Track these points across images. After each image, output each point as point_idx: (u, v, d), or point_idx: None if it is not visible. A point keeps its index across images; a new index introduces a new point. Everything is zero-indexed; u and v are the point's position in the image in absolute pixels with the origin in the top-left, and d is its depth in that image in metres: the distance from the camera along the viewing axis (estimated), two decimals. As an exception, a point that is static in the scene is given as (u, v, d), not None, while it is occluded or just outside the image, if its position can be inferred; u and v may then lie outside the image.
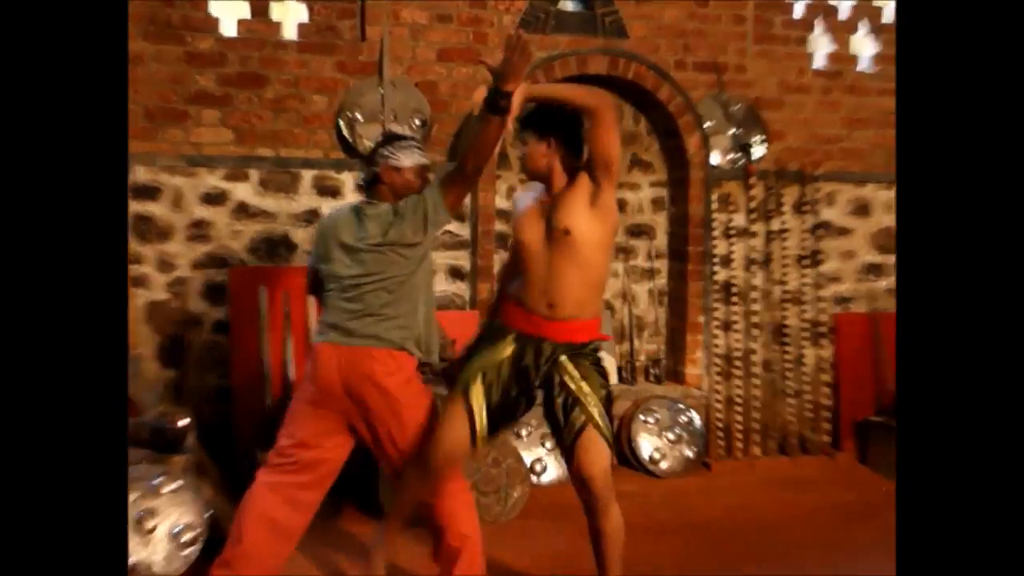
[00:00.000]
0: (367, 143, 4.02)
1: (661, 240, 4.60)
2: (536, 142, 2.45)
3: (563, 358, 2.42)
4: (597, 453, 2.41)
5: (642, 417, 4.22)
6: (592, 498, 2.41)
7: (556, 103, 2.35)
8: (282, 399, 3.62)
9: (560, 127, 2.43)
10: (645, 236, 4.60)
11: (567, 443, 2.43)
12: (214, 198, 3.95)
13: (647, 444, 4.19)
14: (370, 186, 2.55)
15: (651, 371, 4.47)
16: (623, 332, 4.54)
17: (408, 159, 2.51)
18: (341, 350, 2.47)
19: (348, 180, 4.05)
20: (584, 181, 2.40)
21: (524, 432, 4.02)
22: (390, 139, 2.55)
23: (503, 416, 2.49)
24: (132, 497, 2.80)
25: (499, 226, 4.22)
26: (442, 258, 4.12)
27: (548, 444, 4.00)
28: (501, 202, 4.35)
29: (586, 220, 2.38)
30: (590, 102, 2.30)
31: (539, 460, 3.99)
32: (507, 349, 2.45)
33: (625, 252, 4.58)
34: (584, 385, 2.42)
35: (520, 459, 3.66)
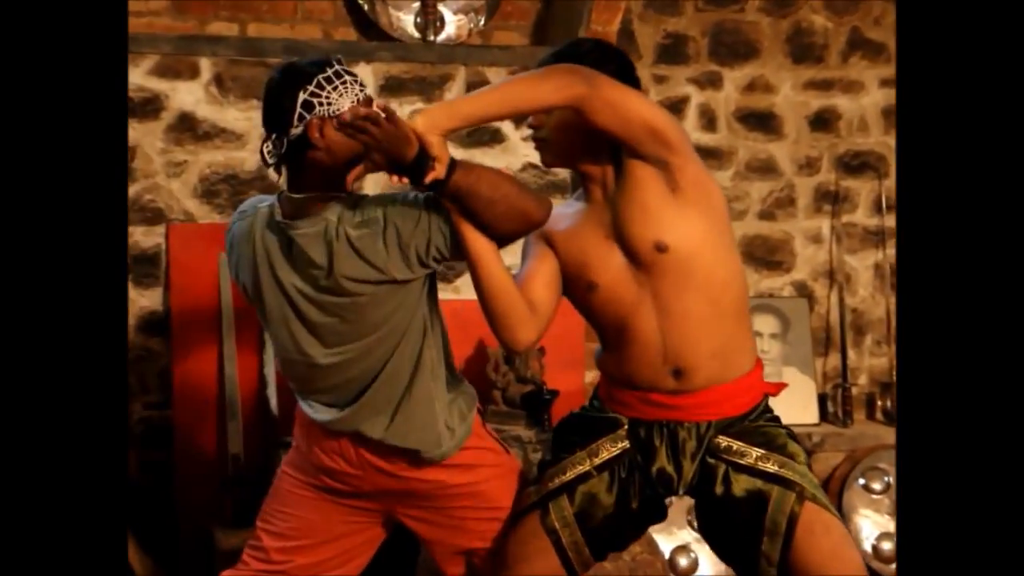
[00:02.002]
0: (396, 16, 3.86)
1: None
2: None
3: (719, 439, 2.31)
4: (838, 543, 2.22)
5: (862, 481, 3.97)
6: None
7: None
8: (260, 444, 3.51)
9: (628, 75, 2.33)
10: (869, 173, 4.32)
11: (774, 556, 2.24)
12: (139, 107, 3.62)
13: (871, 527, 3.94)
14: (295, 166, 2.26)
15: (879, 404, 4.27)
16: (828, 337, 4.31)
17: (346, 97, 2.23)
18: (353, 440, 2.36)
19: (365, 76, 3.76)
20: (638, 167, 2.28)
21: (660, 503, 3.81)
22: (301, 75, 2.23)
23: (619, 538, 2.42)
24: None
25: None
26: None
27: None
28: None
29: (679, 219, 2.26)
30: (565, 93, 2.18)
31: (685, 549, 3.77)
32: (614, 447, 2.37)
33: (834, 200, 4.26)
34: (770, 454, 2.27)
35: (655, 547, 3.39)
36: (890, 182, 4.26)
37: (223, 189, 3.65)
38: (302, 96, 2.20)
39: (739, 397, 2.31)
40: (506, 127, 3.76)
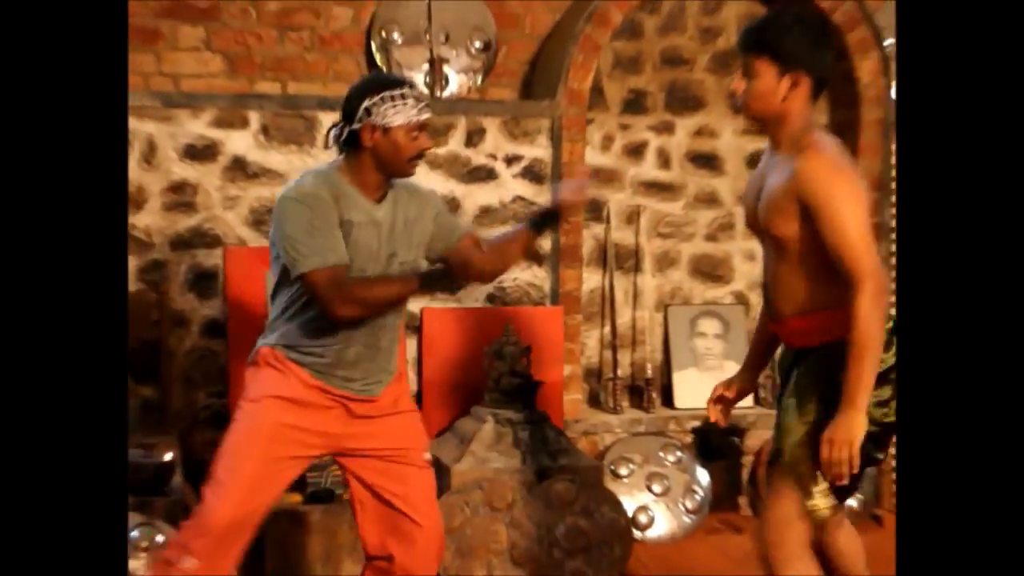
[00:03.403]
0: (410, 75, 4.05)
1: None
2: (768, 75, 2.29)
3: (800, 366, 2.40)
4: (773, 496, 2.38)
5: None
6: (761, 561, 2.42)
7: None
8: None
9: (813, 54, 2.29)
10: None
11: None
12: (200, 152, 3.84)
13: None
14: (348, 149, 2.47)
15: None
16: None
17: (400, 116, 2.40)
18: None
19: (383, 125, 3.97)
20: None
21: (624, 471, 4.00)
22: (375, 86, 2.44)
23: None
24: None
25: (592, 190, 4.13)
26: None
27: (656, 487, 3.98)
28: (595, 155, 4.23)
29: (794, 222, 2.30)
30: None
31: (644, 509, 3.94)
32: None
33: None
34: (790, 401, 2.35)
35: (619, 507, 3.57)
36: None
37: (269, 219, 3.42)
38: (367, 102, 2.38)
39: (814, 333, 2.32)
40: (498, 166, 3.94)
